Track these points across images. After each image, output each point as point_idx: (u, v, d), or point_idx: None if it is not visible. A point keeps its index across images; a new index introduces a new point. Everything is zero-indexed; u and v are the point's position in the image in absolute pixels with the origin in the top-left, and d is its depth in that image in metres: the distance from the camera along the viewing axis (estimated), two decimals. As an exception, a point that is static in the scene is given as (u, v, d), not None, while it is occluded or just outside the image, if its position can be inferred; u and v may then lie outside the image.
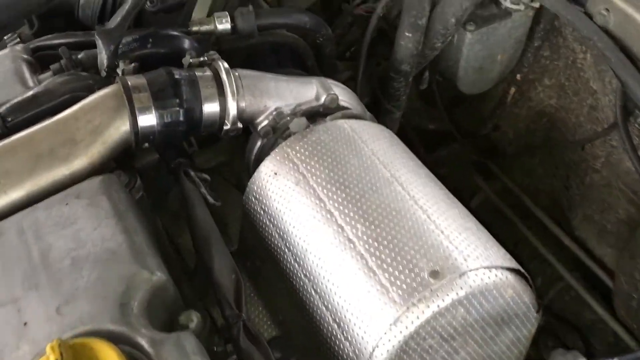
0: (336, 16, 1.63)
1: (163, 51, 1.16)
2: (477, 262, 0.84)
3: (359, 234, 0.88)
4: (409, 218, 0.89)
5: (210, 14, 1.29)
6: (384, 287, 0.83)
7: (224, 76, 1.04)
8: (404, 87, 1.40)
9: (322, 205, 0.93)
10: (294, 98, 1.09)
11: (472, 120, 1.70)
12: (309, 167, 0.97)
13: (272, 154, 1.01)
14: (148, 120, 0.99)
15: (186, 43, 1.17)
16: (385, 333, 0.80)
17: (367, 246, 0.87)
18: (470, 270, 0.83)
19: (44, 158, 0.93)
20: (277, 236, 0.98)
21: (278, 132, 1.08)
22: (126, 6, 1.09)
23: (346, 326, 0.85)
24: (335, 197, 0.93)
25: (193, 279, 1.08)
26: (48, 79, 1.06)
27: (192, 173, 1.07)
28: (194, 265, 1.09)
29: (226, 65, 1.05)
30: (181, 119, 1.01)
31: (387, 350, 0.80)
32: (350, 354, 0.84)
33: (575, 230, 1.52)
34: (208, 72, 1.05)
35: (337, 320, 0.86)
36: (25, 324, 0.77)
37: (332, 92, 1.10)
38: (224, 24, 1.21)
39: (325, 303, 0.88)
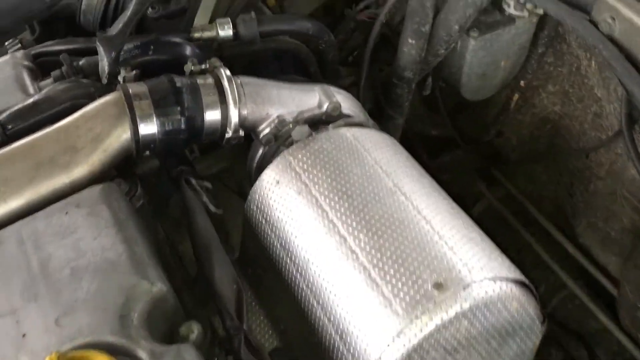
0: (338, 21, 1.62)
1: (165, 58, 1.16)
2: (481, 274, 0.83)
3: (362, 244, 0.87)
4: (412, 228, 0.88)
5: (212, 20, 1.29)
6: (386, 299, 0.82)
7: (225, 83, 1.03)
8: (407, 93, 1.39)
9: (325, 215, 0.92)
10: (296, 105, 1.08)
11: (475, 126, 1.69)
12: (311, 176, 0.96)
13: (274, 162, 1.00)
14: (149, 128, 0.98)
15: (188, 50, 1.16)
16: (388, 345, 0.79)
17: (369, 257, 0.86)
18: (474, 282, 0.82)
19: (44, 166, 0.92)
20: (278, 246, 0.97)
21: (280, 140, 1.07)
22: (128, 13, 1.09)
23: (348, 338, 0.84)
24: (337, 206, 0.92)
25: (194, 287, 1.07)
26: (49, 86, 1.06)
27: (194, 181, 1.07)
28: (196, 273, 1.09)
29: (228, 72, 1.05)
30: (182, 127, 1.00)
31: (390, 363, 0.79)
32: (353, 366, 0.83)
33: (579, 238, 1.51)
34: (210, 80, 1.04)
35: (339, 332, 0.85)
36: (24, 335, 0.76)
37: (335, 100, 1.09)
38: (226, 31, 1.20)
39: (328, 314, 0.87)
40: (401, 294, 0.82)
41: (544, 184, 1.61)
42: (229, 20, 1.21)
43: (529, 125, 1.60)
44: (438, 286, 0.81)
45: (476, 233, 0.91)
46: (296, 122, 1.07)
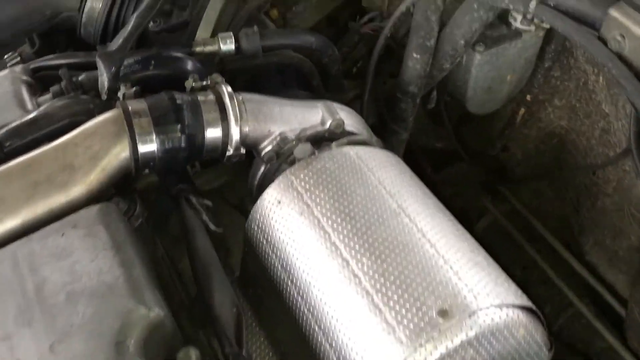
0: (342, 33, 1.61)
1: (166, 73, 1.14)
2: (488, 300, 0.81)
3: (365, 268, 0.85)
4: (416, 252, 0.86)
5: (214, 34, 1.28)
6: (390, 325, 0.80)
7: (227, 100, 1.02)
8: (411, 108, 1.37)
9: (327, 237, 0.90)
10: (299, 123, 1.07)
11: (480, 140, 1.67)
12: (313, 197, 0.94)
13: (276, 181, 0.98)
14: (148, 146, 0.96)
15: (189, 64, 1.15)
16: (391, 374, 0.77)
17: (372, 282, 0.84)
18: (481, 310, 0.80)
19: (41, 185, 0.91)
20: (279, 267, 0.95)
21: (282, 158, 1.05)
22: (128, 27, 1.07)
23: (351, 365, 0.81)
24: (340, 228, 0.90)
25: (193, 307, 1.05)
26: (47, 102, 1.04)
27: (194, 199, 1.05)
28: (195, 293, 1.07)
29: (229, 89, 1.03)
30: (183, 144, 0.98)
31: (393, 393, 0.77)
32: (355, 394, 0.81)
33: (585, 255, 1.49)
34: (211, 96, 1.03)
35: (340, 358, 0.83)
36: (17, 361, 0.75)
37: (338, 117, 1.07)
38: (228, 45, 1.18)
39: (329, 340, 0.85)
40: (405, 321, 0.79)
41: (550, 200, 1.59)
42: (231, 34, 1.19)
43: (534, 139, 1.58)
44: (443, 313, 0.79)
45: (482, 257, 0.89)
46: (298, 139, 1.05)
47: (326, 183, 0.95)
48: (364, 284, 0.84)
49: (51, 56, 1.21)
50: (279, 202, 0.96)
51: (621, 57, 1.00)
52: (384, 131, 1.43)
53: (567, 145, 1.49)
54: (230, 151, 1.03)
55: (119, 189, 1.01)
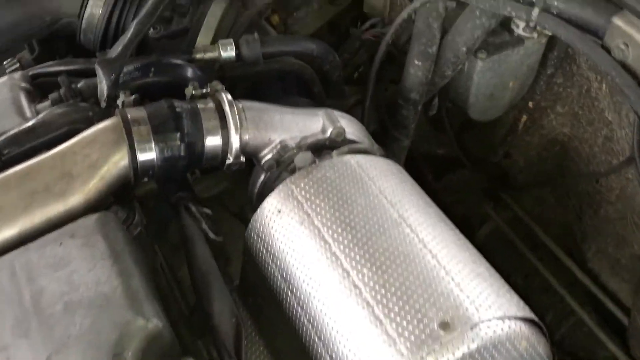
0: (344, 39, 1.60)
1: (165, 80, 1.13)
2: (490, 312, 0.80)
3: (365, 279, 0.84)
4: (417, 263, 0.85)
5: (215, 40, 1.27)
6: (390, 337, 0.79)
7: (227, 108, 1.01)
8: (413, 115, 1.37)
9: (327, 247, 0.89)
10: (300, 130, 1.06)
11: (482, 147, 1.66)
12: (313, 206, 0.93)
13: (276, 190, 0.97)
14: (148, 154, 0.95)
15: (189, 72, 1.14)
16: (391, 387, 0.76)
17: (373, 293, 0.83)
18: (482, 322, 0.79)
19: (39, 194, 0.90)
20: (279, 277, 0.94)
21: (282, 166, 1.04)
22: (128, 34, 1.06)
23: (351, 377, 0.81)
24: (340, 238, 0.89)
25: (192, 315, 1.04)
26: (46, 110, 1.03)
27: (193, 208, 1.04)
28: (194, 301, 1.06)
29: (229, 96, 1.02)
30: (182, 153, 0.98)
31: (393, 406, 0.76)
32: (355, 407, 0.80)
33: (588, 263, 1.48)
34: (211, 104, 1.02)
35: (341, 370, 0.82)
36: (14, 373, 0.74)
37: (339, 125, 1.06)
38: (228, 52, 1.18)
39: (329, 352, 0.84)
40: (406, 333, 0.79)
41: (552, 207, 1.58)
42: (232, 41, 1.18)
43: (537, 146, 1.57)
44: (444, 325, 0.78)
45: (484, 267, 0.88)
46: (299, 147, 1.04)
47: (327, 192, 0.94)
48: (365, 295, 0.83)
49: (50, 63, 1.20)
50: (279, 211, 0.95)
51: (625, 66, 0.99)
52: (385, 138, 1.42)
53: (570, 152, 1.48)
54: (230, 159, 1.02)
55: (118, 196, 1.00)
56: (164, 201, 1.11)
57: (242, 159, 1.03)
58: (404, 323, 0.79)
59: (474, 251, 0.91)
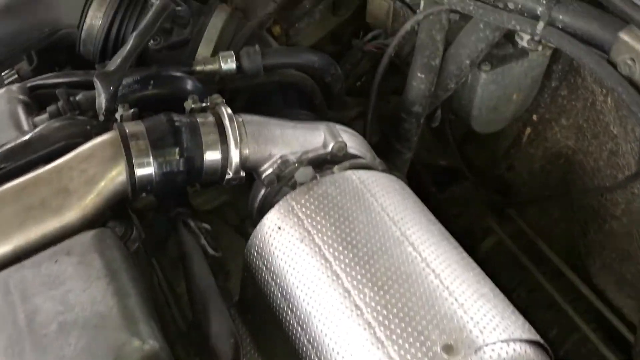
0: (345, 50, 1.59)
1: (165, 92, 1.12)
2: (494, 335, 0.78)
3: (367, 299, 0.82)
4: (420, 283, 0.83)
5: (215, 52, 1.25)
6: (392, 360, 0.77)
7: (226, 122, 0.99)
8: (415, 128, 1.35)
9: (328, 265, 0.87)
10: (301, 145, 1.04)
11: (485, 159, 1.65)
12: (314, 223, 0.92)
13: (276, 207, 0.95)
14: (146, 170, 0.94)
15: (189, 84, 1.12)
16: (393, 413, 0.74)
17: (375, 314, 0.81)
18: (487, 345, 0.77)
19: (34, 210, 0.88)
20: (279, 295, 0.92)
21: (283, 181, 1.03)
22: (127, 46, 1.05)
23: (351, 401, 0.79)
24: (342, 257, 0.87)
25: (190, 332, 1.02)
26: (44, 123, 1.02)
27: (192, 223, 1.02)
28: (192, 318, 1.04)
29: (229, 110, 1.01)
30: (181, 168, 0.96)
31: None
32: None
33: (593, 278, 1.45)
34: (210, 118, 1.00)
35: (341, 393, 0.80)
36: (6, 396, 0.72)
37: (341, 139, 1.05)
38: (229, 64, 1.16)
39: (330, 373, 0.82)
40: (408, 356, 0.77)
41: (557, 221, 1.56)
42: (232, 53, 1.17)
43: (540, 159, 1.55)
44: (448, 349, 0.76)
45: (488, 288, 0.86)
46: (300, 162, 1.02)
47: (327, 209, 0.93)
48: (366, 315, 0.81)
49: (49, 74, 1.18)
50: (279, 228, 0.94)
51: (631, 82, 0.98)
52: (387, 150, 1.41)
53: (574, 165, 1.47)
54: (229, 174, 1.00)
55: (116, 211, 0.98)
56: (162, 216, 1.09)
57: (242, 174, 1.01)
58: (406, 346, 0.77)
59: (478, 270, 0.89)
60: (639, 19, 0.96)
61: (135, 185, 0.94)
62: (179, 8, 1.21)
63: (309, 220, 0.92)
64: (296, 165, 1.03)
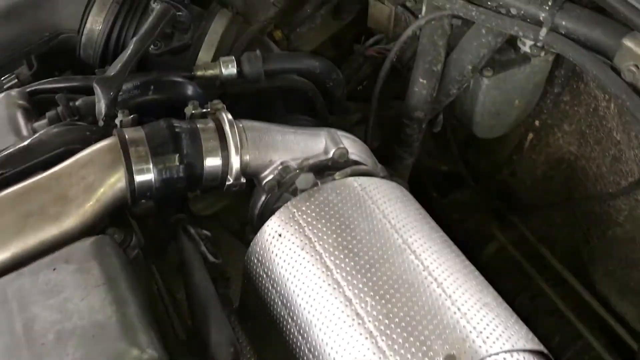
0: (347, 54, 1.58)
1: (165, 98, 1.11)
2: (497, 345, 0.77)
3: (368, 308, 0.81)
4: (422, 292, 0.82)
5: (216, 57, 1.25)
6: (394, 371, 0.76)
7: (227, 128, 0.99)
8: (417, 133, 1.35)
9: (329, 274, 0.86)
10: (302, 151, 1.03)
11: (487, 164, 1.64)
12: (315, 231, 0.91)
13: (277, 213, 0.94)
14: (145, 176, 0.93)
15: (189, 89, 1.12)
16: None
17: (376, 323, 0.80)
18: (490, 356, 0.76)
19: (33, 217, 0.87)
20: (279, 303, 0.91)
21: (284, 187, 1.02)
22: (127, 52, 1.04)
23: (352, 412, 0.78)
24: (343, 265, 0.86)
25: (190, 340, 1.01)
26: (43, 128, 1.01)
27: (192, 230, 1.01)
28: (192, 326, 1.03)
29: (230, 116, 1.00)
30: (181, 174, 0.95)
31: None
32: None
33: (596, 285, 1.44)
34: (211, 124, 1.00)
35: (342, 403, 0.79)
36: (2, 407, 0.71)
37: (342, 146, 1.04)
38: (229, 69, 1.16)
39: (331, 383, 0.81)
40: (410, 367, 0.76)
41: (559, 227, 1.55)
42: (233, 58, 1.17)
43: (543, 165, 1.54)
44: (450, 359, 0.75)
45: (491, 297, 0.85)
46: (301, 169, 1.02)
47: (328, 216, 0.92)
48: (368, 325, 0.80)
49: (49, 79, 1.18)
50: (280, 235, 0.93)
51: (635, 89, 0.97)
52: (389, 155, 1.40)
53: (577, 171, 1.46)
54: (230, 180, 0.99)
55: (115, 217, 0.97)
56: (162, 222, 1.08)
57: (243, 180, 1.00)
58: (408, 356, 0.77)
59: (481, 279, 0.89)
60: (643, 25, 0.96)
61: (134, 192, 0.93)
62: (180, 13, 1.21)
63: (310, 227, 0.91)
64: (297, 171, 1.02)
